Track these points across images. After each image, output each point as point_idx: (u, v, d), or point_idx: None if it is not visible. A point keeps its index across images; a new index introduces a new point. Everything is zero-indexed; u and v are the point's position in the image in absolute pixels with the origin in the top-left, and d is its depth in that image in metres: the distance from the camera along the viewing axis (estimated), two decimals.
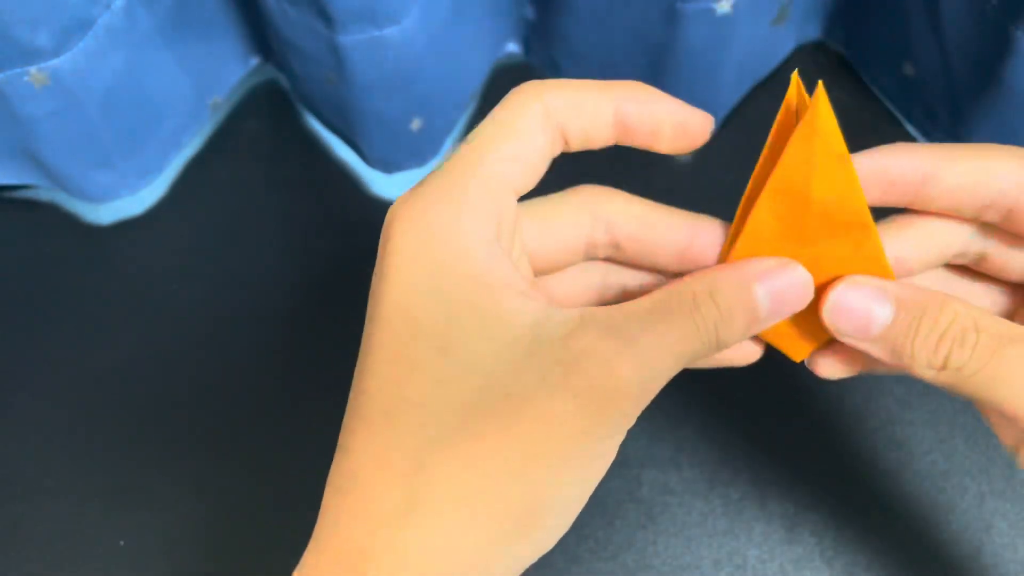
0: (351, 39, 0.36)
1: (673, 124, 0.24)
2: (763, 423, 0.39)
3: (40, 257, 0.44)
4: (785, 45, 0.45)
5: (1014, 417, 0.22)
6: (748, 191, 0.25)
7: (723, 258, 0.25)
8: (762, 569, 0.37)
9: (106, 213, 0.45)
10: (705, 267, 0.24)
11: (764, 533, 0.38)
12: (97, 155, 0.41)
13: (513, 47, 0.47)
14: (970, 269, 0.25)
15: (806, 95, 0.24)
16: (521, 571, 0.22)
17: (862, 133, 0.45)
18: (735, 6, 0.37)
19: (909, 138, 0.45)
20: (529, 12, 0.44)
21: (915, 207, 0.24)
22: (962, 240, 0.25)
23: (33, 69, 0.35)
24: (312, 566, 0.23)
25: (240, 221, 0.45)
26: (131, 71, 0.39)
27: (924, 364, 0.23)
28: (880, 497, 0.37)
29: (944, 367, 0.22)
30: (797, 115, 0.24)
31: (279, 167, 0.46)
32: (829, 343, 0.25)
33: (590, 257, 0.25)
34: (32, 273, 0.44)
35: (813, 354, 0.26)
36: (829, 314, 0.23)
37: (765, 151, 0.25)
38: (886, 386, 0.40)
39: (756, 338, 0.26)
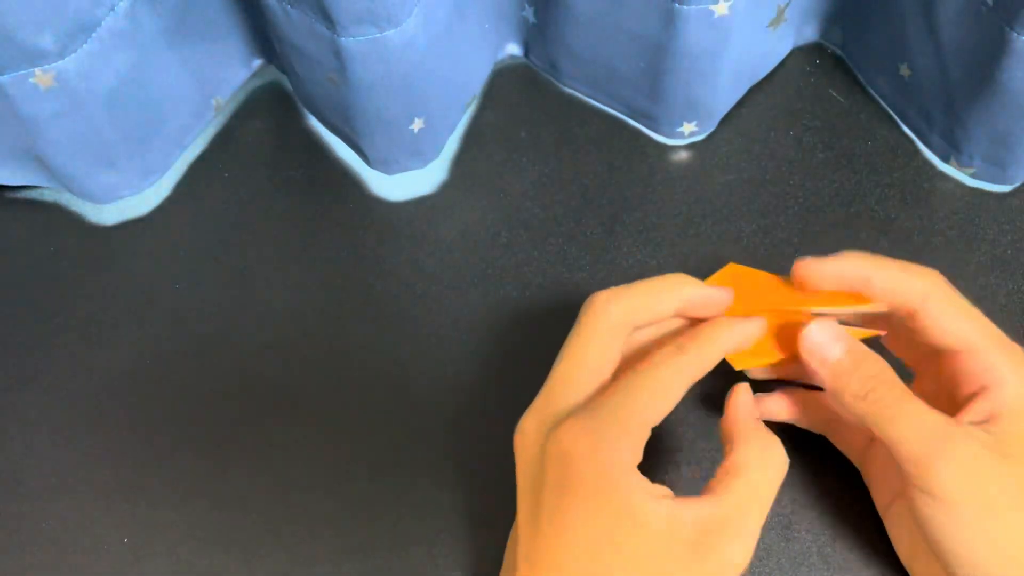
0: (353, 40, 0.36)
1: (715, 304, 0.34)
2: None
3: (44, 257, 0.44)
4: (782, 47, 0.46)
5: (890, 444, 0.31)
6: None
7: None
8: (759, 566, 0.37)
9: (110, 213, 0.45)
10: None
11: (762, 531, 0.38)
12: (101, 156, 0.41)
13: (513, 48, 0.47)
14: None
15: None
16: None
17: (859, 134, 0.46)
18: (733, 8, 0.37)
19: (906, 138, 0.45)
20: (529, 14, 0.45)
21: (860, 296, 0.34)
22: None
23: (38, 71, 0.36)
24: None
25: (243, 221, 0.45)
26: (135, 73, 0.39)
27: (852, 393, 0.32)
28: None
29: (866, 398, 0.32)
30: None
31: (281, 167, 0.46)
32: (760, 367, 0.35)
33: None
34: (36, 273, 0.44)
35: (758, 396, 0.36)
36: (804, 337, 0.33)
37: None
38: None
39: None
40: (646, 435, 0.31)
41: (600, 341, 0.32)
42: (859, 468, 0.37)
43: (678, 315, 0.34)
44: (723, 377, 0.36)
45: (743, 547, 0.30)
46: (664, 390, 0.32)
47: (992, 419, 0.31)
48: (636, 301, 0.33)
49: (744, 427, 0.32)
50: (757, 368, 0.36)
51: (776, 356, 0.34)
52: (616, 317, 0.33)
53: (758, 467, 0.31)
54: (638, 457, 0.31)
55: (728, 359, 0.34)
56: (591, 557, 0.29)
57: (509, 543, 0.34)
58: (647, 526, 0.29)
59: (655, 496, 0.30)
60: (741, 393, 0.34)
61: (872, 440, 0.36)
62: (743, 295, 0.35)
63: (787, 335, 0.34)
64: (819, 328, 0.33)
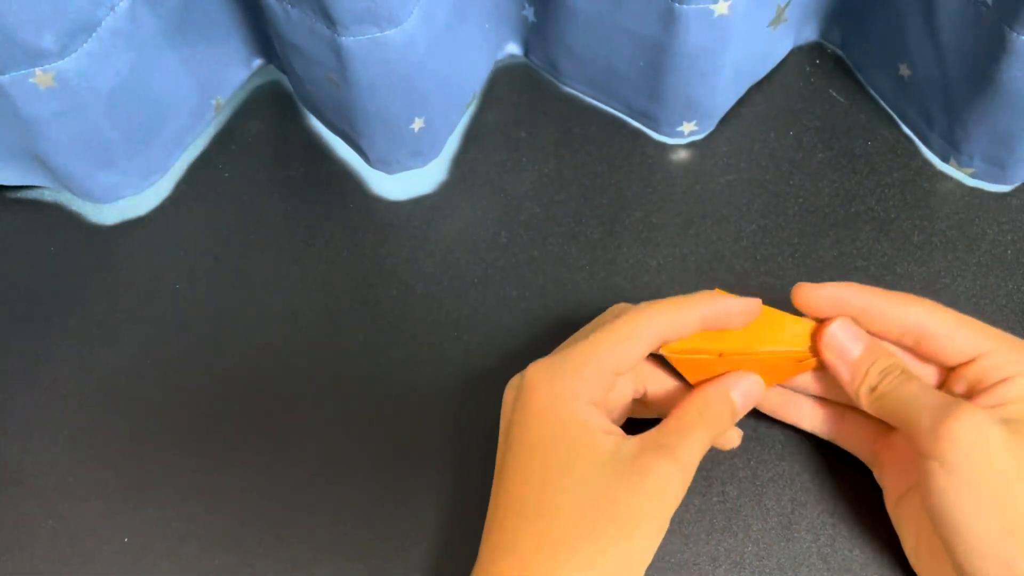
0: (353, 40, 0.36)
1: (740, 316, 0.35)
2: (760, 421, 0.40)
3: (45, 257, 0.44)
4: (782, 46, 0.46)
5: (902, 424, 0.33)
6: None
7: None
8: (759, 566, 0.37)
9: (110, 213, 0.45)
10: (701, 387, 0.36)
11: (761, 530, 0.38)
12: (102, 156, 0.41)
13: (513, 48, 0.47)
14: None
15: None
16: None
17: (859, 134, 0.46)
18: (732, 7, 0.37)
19: (905, 138, 0.45)
20: (529, 13, 0.45)
21: (860, 324, 0.35)
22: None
23: (38, 70, 0.36)
24: None
25: (243, 221, 0.45)
26: (135, 72, 0.39)
27: (868, 386, 0.34)
28: (877, 494, 0.37)
29: (878, 387, 0.34)
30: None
31: (282, 167, 0.46)
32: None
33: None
34: (37, 273, 0.44)
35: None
36: (827, 338, 0.35)
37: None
38: None
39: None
40: (607, 379, 0.34)
41: (633, 340, 0.34)
42: (870, 465, 0.37)
43: (703, 327, 0.35)
44: None
45: (679, 469, 0.32)
46: (627, 337, 0.34)
47: (1006, 403, 0.32)
48: (674, 315, 0.34)
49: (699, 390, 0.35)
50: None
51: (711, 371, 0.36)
52: (655, 327, 0.34)
53: (701, 406, 0.34)
54: (595, 395, 0.33)
55: (679, 369, 0.36)
56: (543, 480, 0.32)
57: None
58: (594, 451, 0.32)
59: (604, 430, 0.33)
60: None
61: (884, 436, 0.37)
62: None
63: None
64: (841, 328, 0.35)
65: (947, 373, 0.35)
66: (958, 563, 0.31)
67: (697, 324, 0.34)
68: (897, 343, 0.35)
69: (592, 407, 0.33)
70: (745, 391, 0.35)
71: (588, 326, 0.36)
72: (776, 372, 0.36)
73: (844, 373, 0.35)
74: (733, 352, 0.35)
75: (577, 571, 0.31)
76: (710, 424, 0.34)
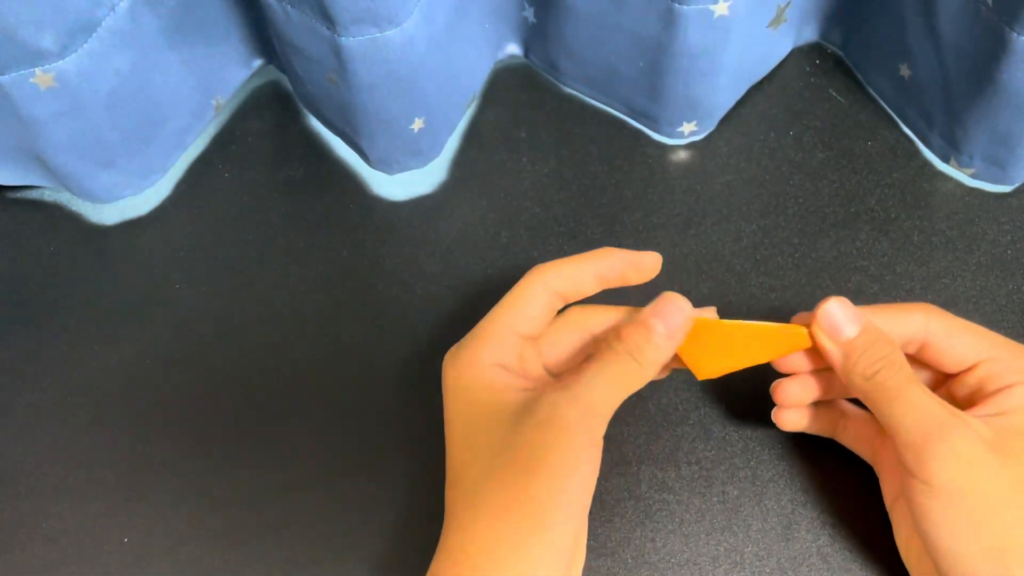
0: (353, 40, 0.36)
1: (634, 269, 0.35)
2: (761, 421, 0.40)
3: (45, 257, 0.44)
4: (782, 47, 0.46)
5: (890, 428, 0.32)
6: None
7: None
8: (759, 566, 0.37)
9: (111, 213, 0.45)
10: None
11: (761, 530, 0.38)
12: (102, 156, 0.41)
13: (513, 48, 0.47)
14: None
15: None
16: (553, 557, 0.31)
17: (859, 134, 0.46)
18: (732, 8, 0.37)
19: (905, 138, 0.45)
20: (529, 14, 0.45)
21: None
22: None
23: (38, 71, 0.36)
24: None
25: (243, 221, 0.45)
26: (135, 73, 0.39)
27: (860, 372, 0.33)
28: (877, 495, 0.37)
29: (872, 378, 0.33)
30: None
31: (282, 167, 0.46)
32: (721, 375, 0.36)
33: (555, 309, 0.36)
34: (37, 273, 0.44)
35: (776, 409, 0.37)
36: (821, 314, 0.34)
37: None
38: None
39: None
40: (512, 340, 0.35)
41: (526, 297, 0.35)
42: (871, 463, 0.37)
43: (602, 284, 0.35)
44: (721, 384, 0.36)
45: (574, 405, 0.32)
46: (521, 298, 0.35)
47: (1004, 413, 0.32)
48: (564, 267, 0.35)
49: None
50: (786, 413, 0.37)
51: (731, 367, 0.35)
52: (545, 279, 0.35)
53: (613, 338, 0.34)
54: (502, 359, 0.34)
55: (693, 371, 0.35)
56: (462, 446, 0.33)
57: None
58: (502, 407, 0.33)
59: (516, 388, 0.33)
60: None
61: (883, 435, 0.37)
62: (709, 348, 0.35)
63: (749, 344, 0.35)
64: (837, 306, 0.34)
65: (950, 378, 0.35)
66: (940, 573, 0.32)
67: (591, 279, 0.35)
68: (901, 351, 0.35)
69: (498, 368, 0.34)
70: (666, 313, 0.34)
71: (505, 295, 0.36)
72: (772, 345, 0.35)
73: (836, 354, 0.33)
74: (726, 323, 0.34)
75: (492, 524, 0.31)
76: (626, 357, 0.33)
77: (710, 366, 0.35)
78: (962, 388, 0.34)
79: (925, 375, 0.36)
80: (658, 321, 0.33)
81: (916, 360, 0.35)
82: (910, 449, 0.31)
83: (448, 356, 0.35)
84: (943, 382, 0.36)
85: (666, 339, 0.33)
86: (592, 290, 0.36)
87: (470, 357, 0.34)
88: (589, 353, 0.36)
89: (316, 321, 0.42)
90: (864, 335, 0.33)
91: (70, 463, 0.40)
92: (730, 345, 0.35)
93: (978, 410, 0.33)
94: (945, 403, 0.32)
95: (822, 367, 0.36)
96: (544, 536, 0.30)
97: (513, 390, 0.33)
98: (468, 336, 0.35)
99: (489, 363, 0.34)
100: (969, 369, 0.34)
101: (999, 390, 0.33)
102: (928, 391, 0.32)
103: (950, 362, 0.34)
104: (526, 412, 0.32)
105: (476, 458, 0.33)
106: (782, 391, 0.36)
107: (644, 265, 0.35)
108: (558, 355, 0.36)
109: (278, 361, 0.42)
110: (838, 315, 0.33)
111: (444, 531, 0.33)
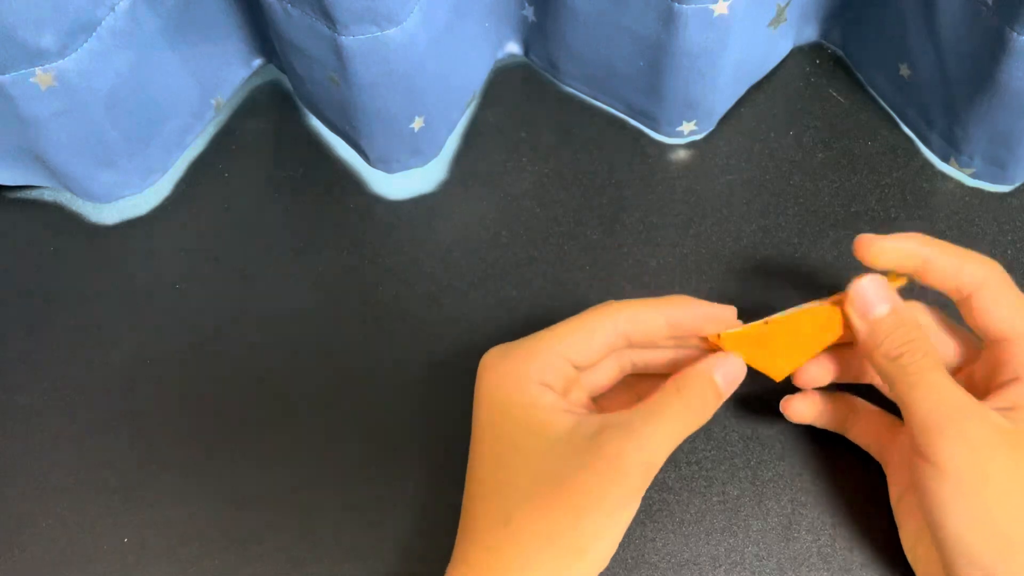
0: (353, 39, 0.36)
1: (709, 321, 0.35)
2: (761, 421, 0.40)
3: (45, 257, 0.44)
4: (782, 46, 0.46)
5: (906, 409, 0.32)
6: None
7: (711, 342, 0.35)
8: (759, 566, 0.37)
9: (111, 213, 0.45)
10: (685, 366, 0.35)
11: (761, 531, 0.38)
12: (102, 155, 0.41)
13: (513, 47, 0.47)
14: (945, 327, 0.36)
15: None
16: None
17: (859, 134, 0.46)
18: (732, 7, 0.37)
19: (905, 138, 0.45)
20: (529, 13, 0.45)
21: (916, 276, 0.35)
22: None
23: (38, 70, 0.36)
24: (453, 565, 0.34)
25: (243, 220, 0.45)
26: (135, 72, 0.39)
27: (884, 352, 0.33)
28: (877, 495, 0.37)
29: (896, 359, 0.32)
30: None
31: (282, 167, 0.46)
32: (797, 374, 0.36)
33: (615, 349, 0.36)
34: (37, 273, 0.44)
35: (785, 399, 0.37)
36: (854, 290, 0.34)
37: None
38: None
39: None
40: (562, 366, 0.34)
41: (589, 329, 0.34)
42: (879, 459, 0.37)
43: (673, 332, 0.35)
44: None
45: (637, 448, 0.31)
46: (585, 328, 0.34)
47: (1016, 408, 0.32)
48: (639, 310, 0.35)
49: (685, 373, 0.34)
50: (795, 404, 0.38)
51: (803, 358, 0.35)
52: (616, 318, 0.34)
53: (680, 385, 0.33)
54: (548, 379, 0.33)
55: (768, 374, 0.35)
56: (495, 459, 0.33)
57: None
58: (546, 428, 0.32)
59: (562, 409, 0.33)
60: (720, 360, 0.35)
61: (893, 431, 0.37)
62: (756, 347, 0.35)
63: (798, 335, 0.35)
64: (871, 282, 0.34)
65: (977, 353, 0.35)
66: (945, 562, 0.32)
67: (662, 325, 0.34)
68: (949, 296, 0.35)
69: (543, 387, 0.33)
70: (727, 372, 0.34)
71: (570, 319, 0.36)
72: (813, 340, 0.35)
73: (863, 330, 0.34)
74: (776, 320, 0.34)
75: (527, 548, 0.31)
76: (687, 403, 0.33)
77: (779, 365, 0.35)
78: (984, 366, 0.34)
79: (953, 354, 0.36)
80: (720, 376, 0.34)
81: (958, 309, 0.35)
82: (924, 432, 0.31)
83: (488, 360, 0.35)
84: (970, 361, 0.36)
85: (724, 394, 0.34)
86: (662, 338, 0.35)
87: (515, 368, 0.34)
88: (630, 384, 0.37)
89: (316, 321, 0.42)
90: (893, 315, 0.33)
91: (70, 463, 0.40)
92: (786, 342, 0.35)
93: (997, 400, 0.33)
94: (966, 392, 0.32)
95: (846, 340, 0.36)
96: (575, 571, 0.31)
97: (559, 411, 0.33)
98: (514, 345, 0.35)
99: (535, 379, 0.33)
100: (996, 343, 0.34)
101: (1011, 381, 0.33)
102: (950, 378, 0.32)
103: (982, 323, 0.34)
104: (580, 442, 0.31)
105: (514, 480, 0.32)
106: (801, 370, 0.36)
107: (720, 317, 0.35)
108: (600, 383, 0.36)
109: (278, 361, 0.42)
110: (870, 293, 0.34)
111: (464, 543, 0.33)
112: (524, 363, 0.34)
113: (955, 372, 0.36)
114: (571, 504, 0.31)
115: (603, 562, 0.32)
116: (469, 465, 0.34)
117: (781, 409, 0.37)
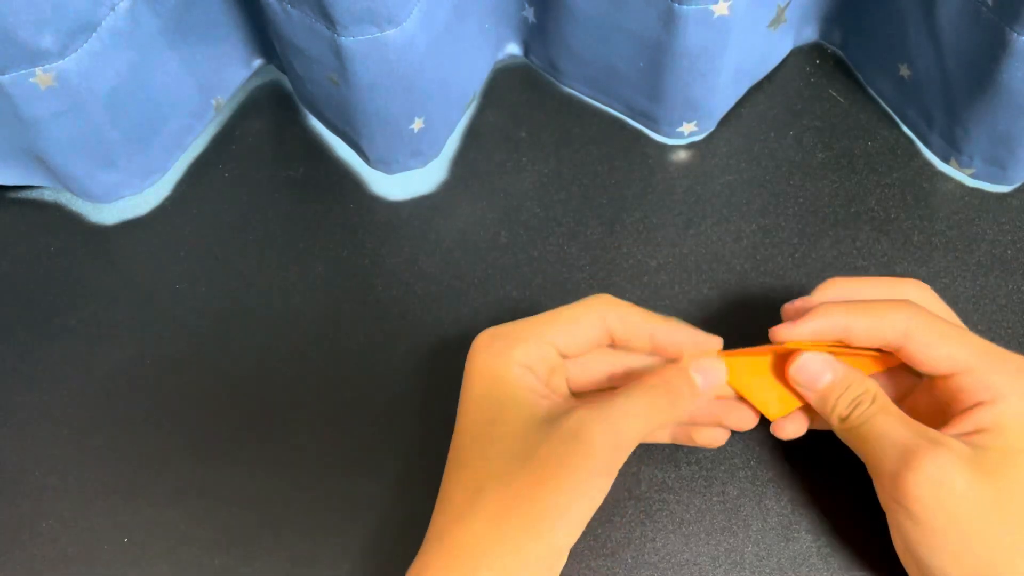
0: (353, 40, 0.36)
1: (694, 347, 0.36)
2: (761, 421, 0.40)
3: (45, 257, 0.44)
4: (782, 47, 0.46)
5: (868, 462, 0.33)
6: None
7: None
8: (759, 566, 0.37)
9: (110, 213, 0.45)
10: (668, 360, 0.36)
11: (761, 530, 0.38)
12: (102, 156, 0.41)
13: (513, 48, 0.47)
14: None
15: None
16: (544, 566, 0.32)
17: (859, 134, 0.46)
18: (732, 8, 0.37)
19: (905, 139, 0.45)
20: (529, 14, 0.45)
21: (844, 343, 0.35)
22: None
23: (38, 70, 0.36)
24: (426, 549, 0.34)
25: (243, 221, 0.45)
26: (135, 72, 0.39)
27: (837, 415, 0.34)
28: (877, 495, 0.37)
29: (848, 419, 0.34)
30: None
31: (282, 167, 0.46)
32: (792, 411, 0.37)
33: (599, 344, 0.37)
34: (37, 273, 0.44)
35: (778, 420, 0.37)
36: (794, 369, 0.35)
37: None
38: None
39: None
40: (548, 352, 0.35)
41: (579, 319, 0.35)
42: (865, 462, 0.37)
43: (654, 347, 0.36)
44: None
45: (607, 428, 0.32)
46: (574, 319, 0.35)
47: (980, 431, 0.32)
48: (630, 313, 0.35)
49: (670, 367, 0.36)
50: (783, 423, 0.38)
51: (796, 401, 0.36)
52: (607, 312, 0.35)
53: (656, 379, 0.34)
54: (532, 363, 0.35)
55: (763, 412, 0.36)
56: (475, 432, 0.34)
57: None
58: (525, 407, 0.33)
59: (540, 393, 0.34)
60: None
61: None
62: (750, 377, 0.36)
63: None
64: (811, 358, 0.35)
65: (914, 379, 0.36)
66: None
67: (646, 337, 0.35)
68: (884, 349, 0.35)
69: (525, 369, 0.34)
70: (706, 370, 0.35)
71: (561, 307, 0.37)
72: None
73: (815, 401, 0.35)
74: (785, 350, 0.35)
75: (493, 518, 0.32)
76: (660, 390, 0.34)
77: (775, 405, 0.36)
78: (943, 393, 0.34)
79: (893, 389, 0.37)
80: (699, 375, 0.35)
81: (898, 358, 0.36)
82: (887, 478, 0.32)
83: (484, 338, 0.36)
84: (910, 389, 0.36)
85: (701, 391, 0.35)
86: (641, 348, 0.36)
87: (502, 348, 0.35)
88: (616, 384, 0.37)
89: (316, 321, 0.42)
90: (838, 382, 0.34)
91: (70, 463, 0.40)
92: (774, 378, 0.36)
93: (954, 427, 0.33)
94: (919, 426, 0.32)
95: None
96: (540, 544, 0.31)
97: (538, 395, 0.34)
98: (507, 327, 0.36)
99: (519, 361, 0.34)
100: (948, 376, 0.34)
101: (974, 407, 0.33)
102: (902, 417, 0.33)
103: (927, 368, 0.34)
104: (553, 422, 0.33)
105: (488, 452, 0.33)
106: (777, 426, 0.37)
107: (704, 345, 0.36)
108: (586, 378, 0.37)
109: (278, 361, 0.42)
110: (812, 367, 0.35)
111: (438, 514, 0.34)
112: (511, 345, 0.35)
113: (899, 402, 0.36)
114: (536, 477, 0.32)
115: (569, 538, 0.32)
116: (453, 437, 0.35)
117: (773, 432, 0.37)
